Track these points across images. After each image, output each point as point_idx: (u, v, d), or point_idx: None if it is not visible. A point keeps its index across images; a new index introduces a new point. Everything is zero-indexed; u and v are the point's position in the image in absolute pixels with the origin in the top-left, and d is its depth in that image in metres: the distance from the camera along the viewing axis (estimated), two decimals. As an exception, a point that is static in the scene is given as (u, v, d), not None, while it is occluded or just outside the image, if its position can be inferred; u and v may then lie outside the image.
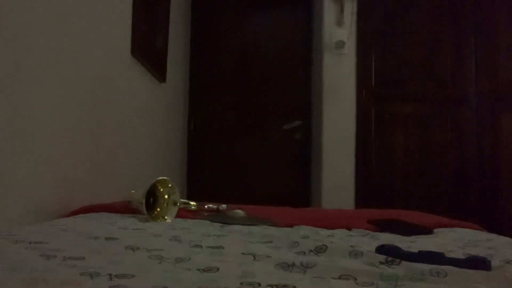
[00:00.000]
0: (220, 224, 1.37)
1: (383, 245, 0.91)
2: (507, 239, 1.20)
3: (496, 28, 3.33)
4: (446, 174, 3.28)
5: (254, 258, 0.82)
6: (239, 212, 1.54)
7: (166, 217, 1.39)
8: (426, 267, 0.73)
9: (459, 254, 0.91)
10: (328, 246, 0.89)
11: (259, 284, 0.63)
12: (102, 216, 1.40)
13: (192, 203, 1.72)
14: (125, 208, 1.52)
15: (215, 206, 1.71)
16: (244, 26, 4.41)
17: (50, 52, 1.44)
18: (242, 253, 0.86)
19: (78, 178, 1.67)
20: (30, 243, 0.88)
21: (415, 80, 3.38)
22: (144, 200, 1.34)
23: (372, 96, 3.36)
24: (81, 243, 0.92)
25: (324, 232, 1.29)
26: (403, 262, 0.76)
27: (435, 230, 1.37)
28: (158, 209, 1.42)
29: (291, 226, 1.38)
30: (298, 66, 4.67)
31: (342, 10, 3.32)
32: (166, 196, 1.44)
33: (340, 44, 3.31)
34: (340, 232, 1.29)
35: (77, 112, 1.66)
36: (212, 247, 0.93)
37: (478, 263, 0.77)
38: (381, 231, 1.33)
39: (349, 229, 1.37)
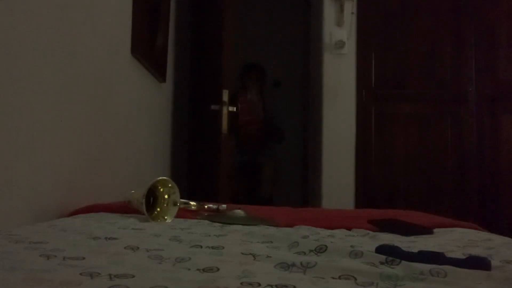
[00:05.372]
0: (220, 224, 1.37)
1: (383, 245, 0.91)
2: (507, 239, 1.20)
3: (496, 28, 3.33)
4: (446, 174, 3.28)
5: (254, 258, 0.82)
6: (239, 212, 1.54)
7: (166, 217, 1.39)
8: (426, 267, 0.73)
9: (459, 254, 0.91)
10: (328, 246, 0.89)
11: (259, 284, 0.63)
12: (102, 216, 1.40)
13: (192, 203, 1.72)
14: (125, 208, 1.52)
15: (215, 206, 1.70)
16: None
17: (50, 52, 1.44)
18: (242, 253, 0.86)
19: (78, 178, 1.67)
20: (30, 243, 0.88)
21: (415, 80, 3.38)
22: (144, 200, 1.34)
23: (372, 96, 3.36)
24: (81, 243, 0.92)
25: (324, 232, 1.29)
26: (403, 262, 0.76)
27: (435, 230, 1.37)
28: (158, 209, 1.42)
29: (291, 226, 1.38)
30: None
31: (342, 10, 3.32)
32: (166, 196, 1.44)
33: (340, 44, 3.31)
34: (340, 232, 1.29)
35: (77, 112, 1.66)
36: (212, 247, 0.93)
37: (478, 263, 0.77)
38: (381, 231, 1.33)
39: (349, 229, 1.37)
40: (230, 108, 2.84)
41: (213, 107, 2.86)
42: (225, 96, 2.80)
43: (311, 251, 0.89)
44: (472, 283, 0.68)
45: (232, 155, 3.76)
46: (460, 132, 3.31)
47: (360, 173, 3.30)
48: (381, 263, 0.77)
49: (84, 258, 0.76)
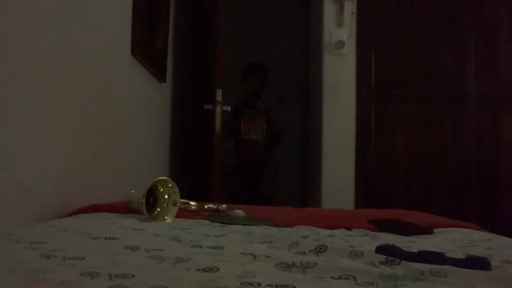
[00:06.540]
0: (220, 224, 1.37)
1: (383, 245, 0.91)
2: (507, 239, 1.20)
3: (496, 28, 3.33)
4: (446, 174, 3.28)
5: (254, 258, 0.82)
6: (239, 212, 1.54)
7: (166, 217, 1.39)
8: (426, 267, 0.73)
9: (459, 254, 0.91)
10: (328, 246, 0.89)
11: (259, 284, 0.63)
12: (102, 216, 1.40)
13: (192, 203, 1.72)
14: (125, 208, 1.52)
15: (215, 206, 1.71)
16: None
17: (50, 52, 1.44)
18: (242, 253, 0.86)
19: (78, 178, 1.67)
20: (30, 243, 0.88)
21: (415, 80, 3.38)
22: (144, 200, 1.34)
23: (372, 96, 3.36)
24: (81, 243, 0.92)
25: (324, 232, 1.29)
26: (403, 262, 0.76)
27: (435, 230, 1.37)
28: (158, 209, 1.42)
29: (291, 226, 1.38)
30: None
31: (342, 10, 3.32)
32: (166, 196, 1.44)
33: (340, 44, 3.31)
34: (340, 232, 1.29)
35: (77, 112, 1.66)
36: (212, 247, 0.93)
37: (478, 263, 0.77)
38: (381, 231, 1.33)
39: (349, 229, 1.37)
40: (224, 108, 2.82)
41: (206, 106, 2.85)
42: (219, 96, 2.77)
43: (311, 251, 0.89)
44: (472, 283, 0.68)
45: (232, 155, 3.76)
46: (460, 132, 3.30)
47: (360, 173, 3.30)
48: (381, 263, 0.77)
49: (84, 258, 0.76)
